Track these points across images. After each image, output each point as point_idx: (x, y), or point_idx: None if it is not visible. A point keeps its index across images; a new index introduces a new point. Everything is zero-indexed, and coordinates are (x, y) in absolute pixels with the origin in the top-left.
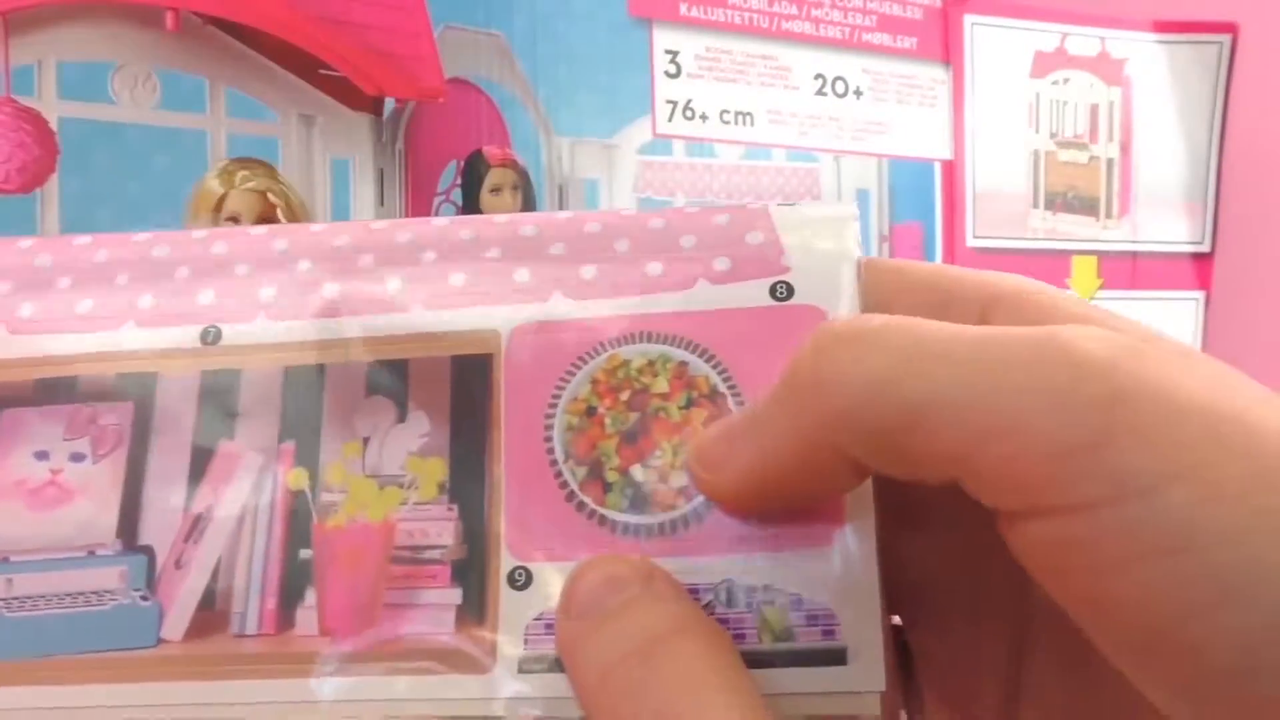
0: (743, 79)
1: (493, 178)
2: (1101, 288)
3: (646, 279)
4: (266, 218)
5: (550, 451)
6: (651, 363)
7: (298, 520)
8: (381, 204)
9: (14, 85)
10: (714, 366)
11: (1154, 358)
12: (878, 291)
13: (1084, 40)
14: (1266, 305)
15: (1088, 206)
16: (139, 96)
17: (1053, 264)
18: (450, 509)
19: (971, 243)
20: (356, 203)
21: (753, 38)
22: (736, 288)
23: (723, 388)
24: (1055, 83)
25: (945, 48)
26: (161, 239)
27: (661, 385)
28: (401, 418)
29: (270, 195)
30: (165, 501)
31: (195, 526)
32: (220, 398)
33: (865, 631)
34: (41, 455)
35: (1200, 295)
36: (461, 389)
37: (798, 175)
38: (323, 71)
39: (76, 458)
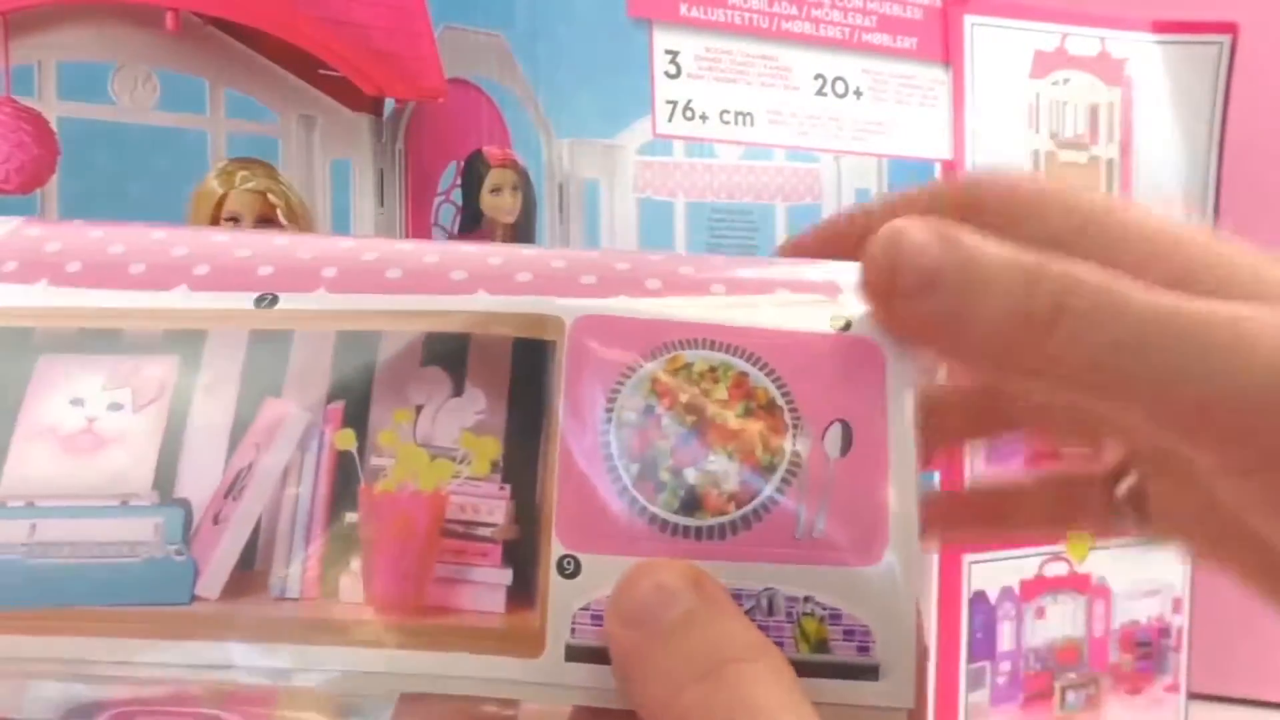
0: (743, 79)
1: (493, 178)
2: None
3: (711, 294)
4: (266, 218)
5: (606, 445)
6: (713, 369)
7: (344, 482)
8: (381, 204)
9: (14, 85)
10: (773, 380)
11: None
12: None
13: (1084, 40)
14: None
15: None
16: (139, 97)
17: None
18: (503, 489)
19: None
20: (356, 203)
21: (753, 38)
22: (797, 311)
23: (780, 401)
24: (1055, 83)
25: (945, 48)
26: (224, 230)
27: (721, 392)
28: (457, 392)
29: (270, 195)
30: (206, 456)
31: (236, 482)
32: (269, 356)
33: (899, 650)
34: (77, 402)
35: None
36: (521, 372)
37: (798, 175)
38: (323, 71)
39: (115, 407)
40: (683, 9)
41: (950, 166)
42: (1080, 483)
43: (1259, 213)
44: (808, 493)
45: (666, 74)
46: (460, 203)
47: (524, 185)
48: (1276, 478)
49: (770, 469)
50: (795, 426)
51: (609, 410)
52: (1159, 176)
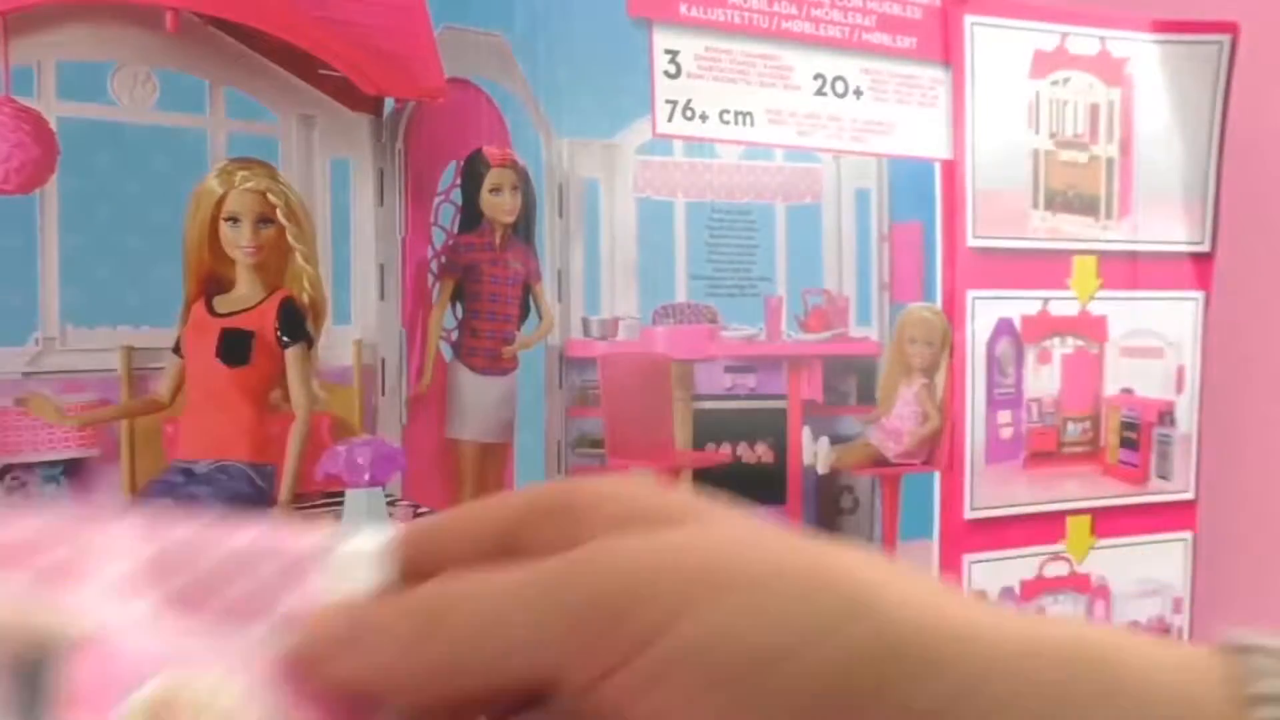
0: (743, 79)
1: (493, 178)
2: (1101, 287)
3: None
4: (266, 217)
5: None
6: (222, 682)
7: None
8: (381, 204)
9: (14, 85)
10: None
11: (654, 552)
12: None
13: (1084, 40)
14: (1266, 305)
15: (1088, 206)
16: (139, 96)
17: (1053, 264)
18: None
19: (971, 242)
20: (356, 203)
21: (753, 38)
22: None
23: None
24: (1055, 83)
25: (945, 48)
26: None
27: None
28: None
29: (270, 195)
30: None
31: None
32: None
33: None
34: None
35: (1200, 295)
36: (27, 689)
37: (798, 175)
38: (323, 71)
39: None
40: (683, 9)
41: (950, 166)
42: None
43: (1259, 213)
44: None
45: (666, 74)
46: (460, 202)
47: (524, 185)
48: (621, 678)
49: None
50: None
51: None
52: (1159, 176)
